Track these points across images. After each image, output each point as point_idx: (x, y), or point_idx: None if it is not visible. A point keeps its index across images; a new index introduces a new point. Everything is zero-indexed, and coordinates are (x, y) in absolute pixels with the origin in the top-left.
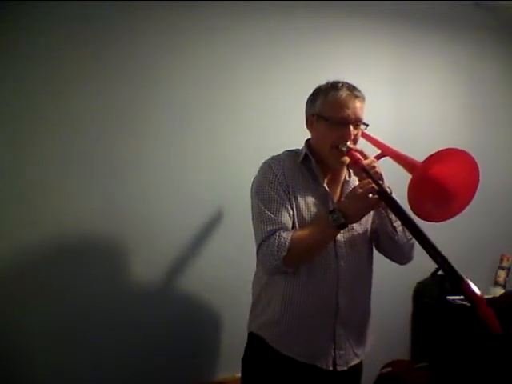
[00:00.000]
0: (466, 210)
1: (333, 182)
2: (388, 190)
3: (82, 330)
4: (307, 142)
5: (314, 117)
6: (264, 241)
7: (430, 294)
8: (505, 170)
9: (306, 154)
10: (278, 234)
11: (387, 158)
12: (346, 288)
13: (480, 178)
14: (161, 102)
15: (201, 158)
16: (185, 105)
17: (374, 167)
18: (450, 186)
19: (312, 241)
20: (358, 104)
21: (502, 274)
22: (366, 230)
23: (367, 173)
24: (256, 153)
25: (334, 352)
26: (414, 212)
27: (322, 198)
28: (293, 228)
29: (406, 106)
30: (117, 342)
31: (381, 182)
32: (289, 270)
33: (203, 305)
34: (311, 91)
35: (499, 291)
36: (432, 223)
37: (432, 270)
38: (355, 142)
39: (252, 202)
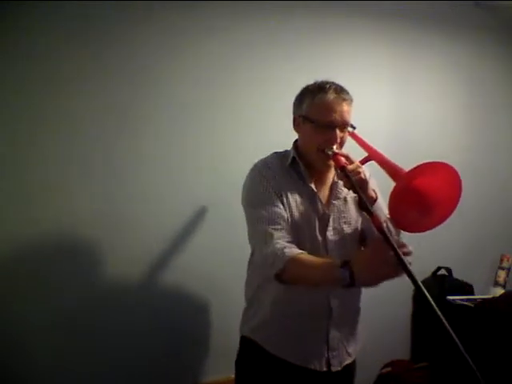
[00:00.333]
0: (466, 211)
1: (321, 183)
2: (373, 193)
3: (80, 327)
4: (295, 143)
5: (301, 118)
6: (261, 244)
7: (429, 294)
8: (505, 169)
9: (293, 158)
10: (281, 246)
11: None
12: (337, 289)
13: (462, 192)
14: (161, 102)
15: (201, 157)
16: (185, 105)
17: (359, 173)
18: (433, 199)
19: (310, 279)
20: (345, 107)
21: (501, 274)
22: (356, 230)
23: (349, 179)
24: (256, 153)
25: (328, 353)
26: (393, 220)
27: (312, 201)
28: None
29: (406, 105)
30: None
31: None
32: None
33: (199, 304)
34: None
35: (499, 291)
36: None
37: (432, 269)
38: (342, 144)
39: (245, 209)
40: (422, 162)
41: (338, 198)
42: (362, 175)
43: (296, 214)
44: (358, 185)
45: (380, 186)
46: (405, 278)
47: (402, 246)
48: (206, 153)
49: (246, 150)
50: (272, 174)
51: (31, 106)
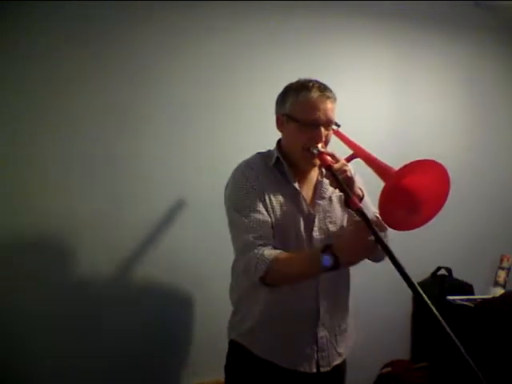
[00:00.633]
0: (466, 211)
1: (306, 183)
2: (360, 191)
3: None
4: (278, 142)
5: (285, 117)
6: (243, 251)
7: (430, 293)
8: (505, 169)
9: (277, 158)
10: (260, 250)
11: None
12: (325, 290)
13: (450, 190)
14: (161, 102)
15: (201, 157)
16: (185, 105)
17: (345, 171)
18: (422, 197)
19: (294, 272)
20: (329, 105)
21: (502, 274)
22: (342, 229)
23: (336, 178)
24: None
25: (317, 354)
26: (384, 220)
27: (296, 201)
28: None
29: (406, 106)
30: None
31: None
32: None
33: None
34: None
35: (499, 291)
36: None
37: (432, 269)
38: (326, 143)
39: (227, 211)
40: (410, 161)
41: (323, 198)
42: (349, 173)
43: (280, 214)
44: (345, 183)
45: (365, 183)
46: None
47: (379, 224)
48: (206, 153)
49: (245, 150)
50: (255, 174)
51: (31, 106)
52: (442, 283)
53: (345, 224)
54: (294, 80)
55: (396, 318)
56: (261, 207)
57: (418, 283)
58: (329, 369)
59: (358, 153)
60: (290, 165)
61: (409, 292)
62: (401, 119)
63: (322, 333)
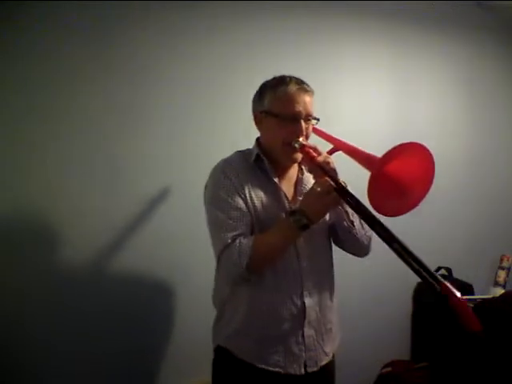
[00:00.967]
0: (466, 211)
1: (286, 180)
2: (344, 185)
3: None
4: (257, 140)
5: (263, 114)
6: (224, 250)
7: (430, 293)
8: (505, 169)
9: (257, 154)
10: (238, 241)
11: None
12: (310, 287)
13: (435, 171)
14: (161, 102)
15: (201, 157)
16: (185, 105)
17: (329, 163)
18: (408, 180)
19: (274, 245)
20: (307, 98)
21: (502, 274)
22: (325, 225)
23: (324, 170)
24: None
25: (305, 354)
26: (375, 208)
27: (278, 198)
28: (252, 231)
29: (406, 106)
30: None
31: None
32: (252, 278)
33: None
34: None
35: (499, 291)
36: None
37: (432, 270)
38: (307, 137)
39: (207, 210)
40: (392, 147)
41: None
42: (332, 165)
43: (262, 211)
44: (330, 175)
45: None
46: (405, 278)
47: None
48: (206, 153)
49: None
50: (235, 172)
51: (31, 106)
52: None
53: (327, 219)
54: None
55: (396, 318)
56: (241, 204)
57: (418, 283)
58: (316, 369)
59: (339, 146)
60: (270, 162)
61: (409, 292)
62: (401, 119)
63: (309, 332)
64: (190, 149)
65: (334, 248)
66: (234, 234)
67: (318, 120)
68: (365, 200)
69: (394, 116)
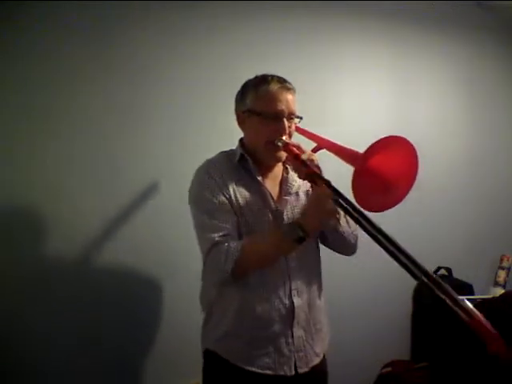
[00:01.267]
0: (466, 211)
1: (271, 179)
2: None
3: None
4: (241, 141)
5: (246, 113)
6: (210, 251)
7: (430, 293)
8: (505, 169)
9: (241, 154)
10: (226, 244)
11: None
12: (299, 287)
13: (419, 166)
14: (161, 102)
15: (201, 158)
16: (185, 105)
17: (313, 160)
18: (392, 176)
19: (265, 255)
20: (290, 96)
21: (501, 274)
22: None
23: (309, 169)
24: None
25: (294, 355)
26: (360, 203)
27: (263, 197)
28: (238, 231)
29: (406, 105)
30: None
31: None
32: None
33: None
34: (312, 91)
35: (499, 291)
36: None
37: (432, 270)
38: (290, 135)
39: (192, 212)
40: (377, 139)
41: (290, 194)
42: (316, 162)
43: (247, 211)
44: (314, 172)
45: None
46: (405, 278)
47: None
48: (207, 152)
49: None
50: (219, 172)
51: (31, 106)
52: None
53: None
54: (293, 80)
55: (396, 318)
56: (226, 204)
57: (418, 284)
58: (307, 370)
59: (322, 144)
60: (254, 161)
61: (409, 292)
62: (401, 119)
63: (299, 332)
64: (190, 149)
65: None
66: (221, 234)
67: (300, 118)
68: (350, 196)
69: (394, 116)
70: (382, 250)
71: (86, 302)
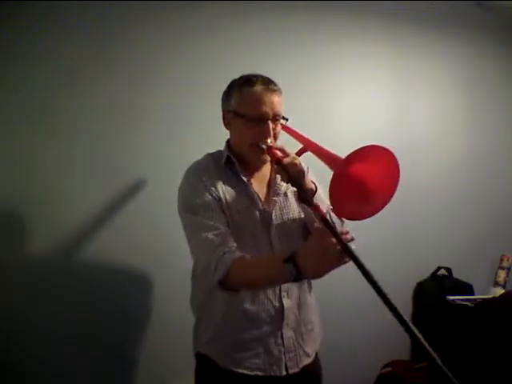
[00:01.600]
0: (466, 211)
1: (259, 180)
2: (313, 186)
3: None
4: (227, 142)
5: (231, 114)
6: (204, 251)
7: (430, 293)
8: (505, 169)
9: (228, 156)
10: (221, 253)
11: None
12: (288, 289)
13: (400, 177)
14: (161, 102)
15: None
16: (185, 105)
17: (296, 165)
18: (372, 186)
19: (256, 279)
20: (275, 98)
21: (501, 274)
22: (300, 225)
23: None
24: None
25: (285, 356)
26: (334, 209)
27: (250, 198)
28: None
29: (406, 105)
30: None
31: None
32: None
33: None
34: (312, 91)
35: (499, 291)
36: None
37: (432, 269)
38: (275, 137)
39: (182, 215)
40: (359, 147)
41: (278, 194)
42: (299, 167)
43: (236, 213)
44: (297, 177)
45: (320, 177)
46: (405, 278)
47: (345, 233)
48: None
49: None
50: (207, 175)
51: (31, 106)
52: (441, 283)
53: (303, 218)
54: (293, 80)
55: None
56: (216, 206)
57: (418, 283)
58: (297, 370)
59: (307, 146)
60: (241, 162)
61: (409, 292)
62: (401, 119)
63: (288, 333)
64: (190, 149)
65: None
66: (214, 232)
67: (286, 120)
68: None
69: (394, 116)
70: (382, 250)
71: (86, 302)
